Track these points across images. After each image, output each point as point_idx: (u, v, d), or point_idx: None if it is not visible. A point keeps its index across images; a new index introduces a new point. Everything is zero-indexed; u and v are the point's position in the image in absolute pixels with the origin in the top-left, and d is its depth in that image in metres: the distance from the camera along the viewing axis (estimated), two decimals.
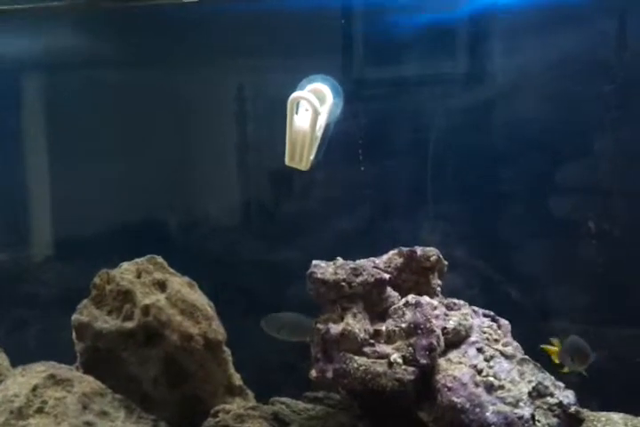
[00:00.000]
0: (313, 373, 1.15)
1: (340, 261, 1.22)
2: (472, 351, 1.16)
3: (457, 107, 1.64)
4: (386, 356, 1.13)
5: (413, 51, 1.64)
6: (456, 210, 1.69)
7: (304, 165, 1.17)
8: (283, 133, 1.16)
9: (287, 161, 1.17)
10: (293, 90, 1.16)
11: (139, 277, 1.27)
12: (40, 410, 1.08)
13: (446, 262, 1.27)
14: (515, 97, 1.63)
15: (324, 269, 1.20)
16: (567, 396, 1.14)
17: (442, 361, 1.14)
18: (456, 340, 1.17)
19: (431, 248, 1.26)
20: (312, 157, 1.18)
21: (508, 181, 1.65)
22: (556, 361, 1.23)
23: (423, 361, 1.12)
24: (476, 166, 1.65)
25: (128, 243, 1.73)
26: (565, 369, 1.22)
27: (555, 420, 1.11)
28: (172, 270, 1.33)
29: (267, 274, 1.74)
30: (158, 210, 1.81)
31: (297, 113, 1.16)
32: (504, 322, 1.24)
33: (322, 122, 1.19)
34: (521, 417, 1.09)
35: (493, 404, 1.10)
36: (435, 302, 1.19)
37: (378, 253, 1.27)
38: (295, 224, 1.78)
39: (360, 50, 1.66)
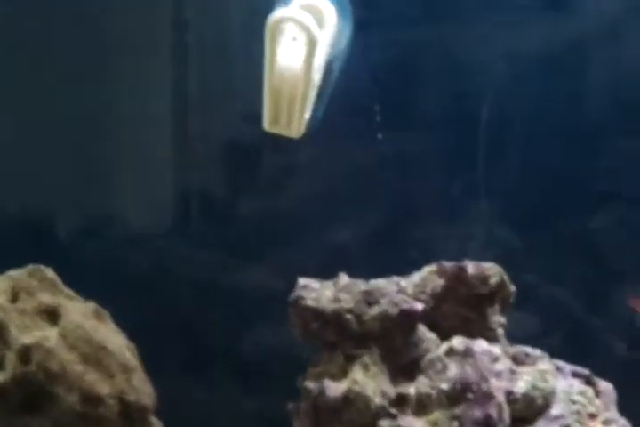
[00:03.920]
0: None
1: (344, 279, 1.23)
2: None
3: (530, 48, 1.70)
4: None
5: None
6: (523, 210, 1.74)
7: (295, 130, 1.18)
8: (254, 80, 1.17)
9: (267, 124, 1.18)
10: (272, 6, 1.16)
11: (14, 300, 1.26)
12: None
13: (513, 288, 1.28)
14: (621, 34, 1.70)
15: (319, 292, 1.21)
16: None
17: None
18: (529, 412, 1.18)
19: (490, 264, 1.27)
20: (307, 117, 1.19)
21: (606, 169, 1.72)
22: None
23: None
24: (557, 143, 1.71)
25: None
26: None
27: None
28: (68, 291, 1.32)
29: (218, 304, 1.78)
30: (50, 200, 1.84)
31: (281, 45, 1.16)
32: (605, 386, 1.25)
33: (321, 58, 1.19)
34: None
35: None
36: (495, 350, 1.20)
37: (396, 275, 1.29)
38: (266, 228, 1.82)
39: None
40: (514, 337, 1.30)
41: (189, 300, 1.78)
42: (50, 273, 1.31)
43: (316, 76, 1.21)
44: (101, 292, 1.34)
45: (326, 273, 1.27)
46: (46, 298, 1.27)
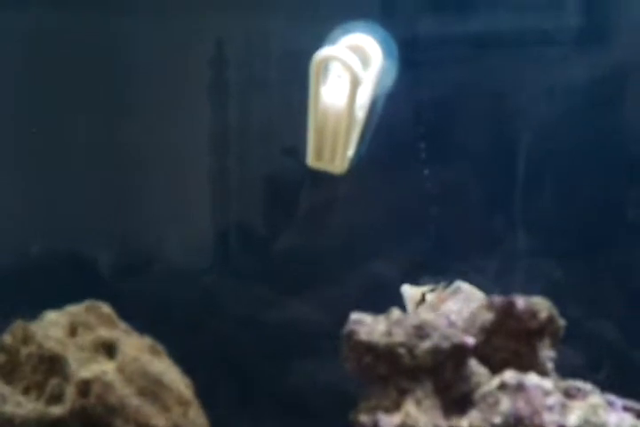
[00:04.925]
0: None
1: (396, 313, 1.22)
2: None
3: (572, 81, 1.71)
4: None
5: None
6: (566, 243, 1.74)
7: (338, 166, 1.22)
8: (298, 117, 1.22)
9: (311, 160, 1.23)
10: (319, 46, 1.22)
11: (73, 334, 1.27)
12: None
13: (563, 323, 1.27)
14: None
15: (371, 326, 1.20)
16: None
17: None
18: None
19: (539, 299, 1.26)
20: (350, 154, 1.23)
21: None
22: None
23: None
24: (602, 175, 1.71)
25: (47, 285, 1.79)
26: None
27: None
28: (124, 326, 1.33)
29: (262, 339, 1.78)
30: (95, 237, 1.85)
31: (326, 83, 1.20)
32: None
33: (365, 97, 1.23)
34: None
35: None
36: (547, 384, 1.18)
37: None
38: (310, 263, 1.82)
39: None
40: (562, 371, 1.27)
41: (236, 335, 1.77)
42: (106, 308, 1.33)
43: (360, 114, 1.23)
44: (147, 328, 1.36)
45: (369, 307, 1.25)
46: (103, 333, 1.29)
